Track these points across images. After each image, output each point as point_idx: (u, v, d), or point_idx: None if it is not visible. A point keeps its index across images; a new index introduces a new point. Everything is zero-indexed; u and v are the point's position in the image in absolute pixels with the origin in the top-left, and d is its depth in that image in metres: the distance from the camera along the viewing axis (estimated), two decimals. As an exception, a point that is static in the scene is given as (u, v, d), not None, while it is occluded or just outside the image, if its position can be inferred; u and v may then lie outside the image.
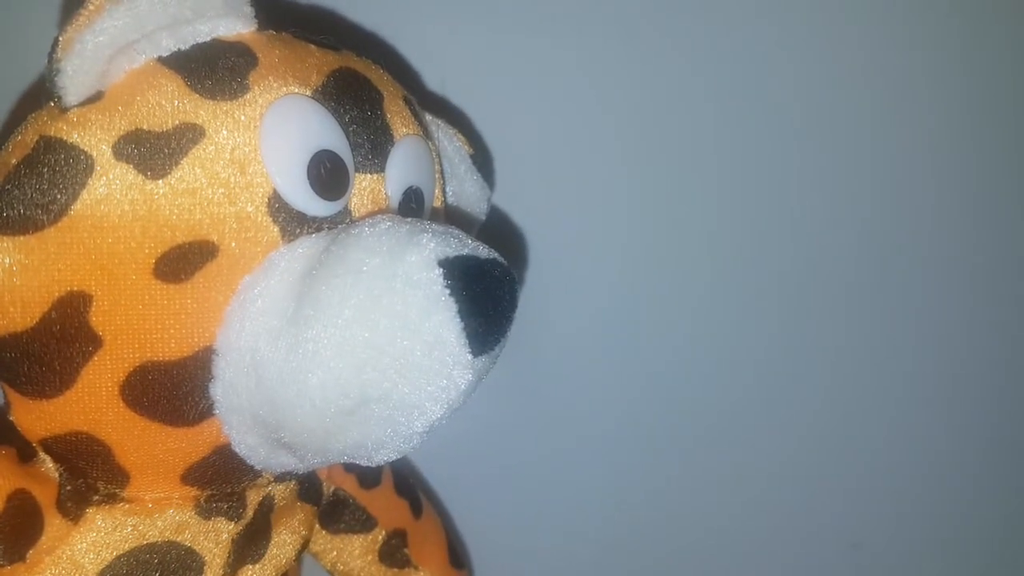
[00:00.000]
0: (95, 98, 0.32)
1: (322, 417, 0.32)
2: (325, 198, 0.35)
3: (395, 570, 0.50)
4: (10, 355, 0.33)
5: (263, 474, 0.38)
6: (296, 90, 0.35)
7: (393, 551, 0.49)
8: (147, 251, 0.32)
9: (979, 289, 0.58)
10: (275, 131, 0.34)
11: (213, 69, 0.34)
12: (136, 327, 0.32)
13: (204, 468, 0.36)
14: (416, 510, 0.51)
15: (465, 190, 0.47)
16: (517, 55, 0.53)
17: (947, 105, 0.55)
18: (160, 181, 0.32)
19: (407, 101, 0.41)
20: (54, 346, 0.32)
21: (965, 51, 0.55)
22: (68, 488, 0.35)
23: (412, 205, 0.39)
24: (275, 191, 0.34)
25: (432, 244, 0.32)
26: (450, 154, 0.46)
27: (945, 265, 0.57)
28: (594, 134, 0.55)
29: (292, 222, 0.34)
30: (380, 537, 0.49)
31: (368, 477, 0.48)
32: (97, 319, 0.32)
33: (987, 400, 0.60)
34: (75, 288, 0.32)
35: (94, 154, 0.32)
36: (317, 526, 0.46)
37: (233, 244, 0.33)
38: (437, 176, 0.42)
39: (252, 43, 0.35)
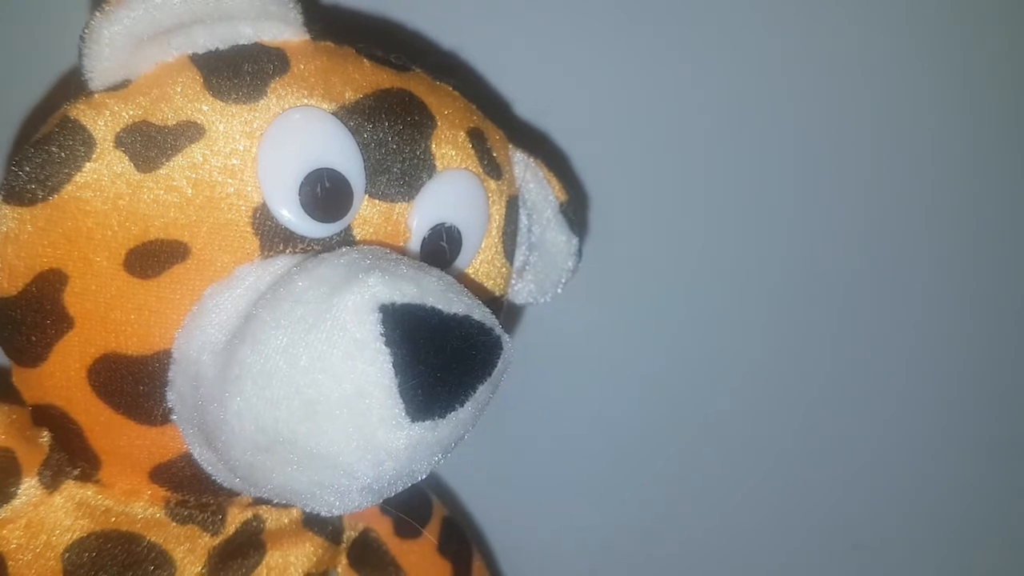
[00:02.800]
0: (121, 85, 0.33)
1: (242, 449, 0.31)
2: (317, 218, 0.33)
3: None
4: None
5: (238, 492, 0.36)
6: (316, 103, 0.33)
7: None
8: (120, 241, 0.32)
9: (980, 289, 0.58)
10: (277, 141, 0.32)
11: (236, 71, 0.33)
12: (103, 315, 0.32)
13: (172, 471, 0.35)
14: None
15: (547, 237, 0.43)
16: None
17: (947, 106, 0.55)
18: (147, 174, 0.32)
19: (473, 134, 0.38)
20: (31, 318, 0.33)
21: (965, 51, 0.55)
22: (53, 458, 0.36)
23: (442, 243, 0.36)
24: (263, 203, 0.32)
25: (377, 286, 0.29)
26: (536, 197, 0.43)
27: (945, 265, 0.57)
28: (586, 132, 0.53)
29: (275, 238, 0.33)
30: None
31: (406, 526, 0.45)
32: (70, 300, 0.32)
33: (987, 400, 0.60)
34: (55, 266, 0.32)
35: (98, 139, 0.32)
36: (346, 564, 0.44)
37: (205, 250, 0.32)
38: (501, 221, 0.39)
39: (293, 51, 0.34)
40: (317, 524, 0.41)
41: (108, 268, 0.32)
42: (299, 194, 0.33)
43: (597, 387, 0.58)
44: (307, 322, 0.29)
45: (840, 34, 0.55)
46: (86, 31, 0.32)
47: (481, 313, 0.31)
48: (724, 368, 0.59)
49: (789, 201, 0.56)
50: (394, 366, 0.28)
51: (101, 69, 0.32)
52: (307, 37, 0.35)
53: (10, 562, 0.35)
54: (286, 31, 0.35)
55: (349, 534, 0.44)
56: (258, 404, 0.29)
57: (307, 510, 0.33)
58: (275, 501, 0.37)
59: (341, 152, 0.33)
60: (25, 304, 0.33)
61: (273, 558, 0.39)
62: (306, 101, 0.33)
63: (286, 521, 0.40)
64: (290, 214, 0.33)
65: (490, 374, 0.31)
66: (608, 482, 0.60)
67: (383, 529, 0.45)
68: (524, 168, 0.42)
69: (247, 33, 0.34)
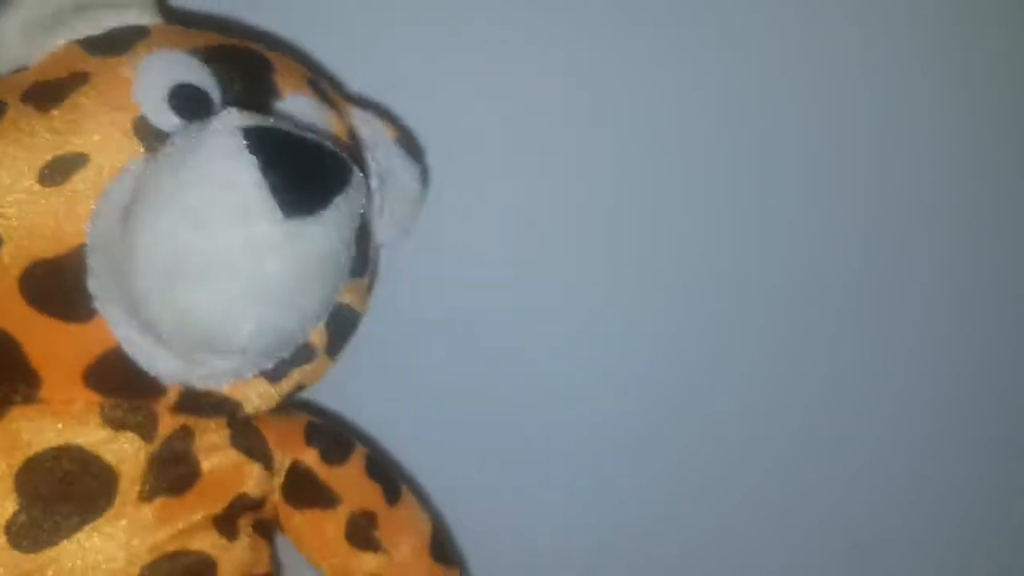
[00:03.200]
0: (20, 69, 0.41)
1: (154, 279, 0.36)
2: (185, 119, 0.40)
3: (361, 551, 0.48)
4: None
5: (164, 386, 0.41)
6: (175, 48, 0.42)
7: (360, 531, 0.48)
8: (32, 161, 0.39)
9: (979, 289, 0.59)
10: (147, 71, 0.41)
11: (110, 38, 0.42)
12: (26, 227, 0.38)
13: (103, 370, 0.40)
14: (391, 497, 0.50)
15: (394, 167, 0.49)
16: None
17: (947, 106, 0.56)
18: (50, 112, 0.39)
19: (309, 79, 0.46)
20: None
21: (965, 51, 0.56)
22: None
23: None
24: (142, 114, 0.39)
25: (238, 115, 0.36)
26: (370, 138, 0.49)
27: (945, 265, 0.58)
28: (585, 133, 0.56)
29: (155, 139, 0.39)
30: (344, 515, 0.48)
31: (332, 453, 0.48)
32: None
33: (987, 400, 0.60)
34: None
35: (9, 102, 0.40)
36: (280, 500, 0.47)
37: (101, 156, 0.39)
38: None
39: (152, 26, 0.43)
40: (241, 442, 0.45)
41: (26, 184, 0.39)
42: (168, 102, 0.40)
43: (594, 386, 0.59)
44: (183, 151, 0.36)
45: (840, 34, 0.56)
46: None
47: (323, 140, 0.38)
48: (723, 367, 0.60)
49: (789, 200, 0.57)
50: (260, 170, 0.35)
51: (5, 59, 0.41)
52: (160, 21, 0.44)
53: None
54: (144, 16, 0.43)
55: (280, 460, 0.47)
56: (156, 229, 0.35)
57: (212, 352, 0.38)
58: (196, 385, 0.41)
59: (197, 75, 0.41)
60: None
61: (210, 474, 0.43)
62: (166, 48, 0.42)
63: (214, 436, 0.44)
64: (164, 119, 0.40)
65: (344, 186, 0.37)
66: (605, 482, 0.61)
67: (310, 458, 0.48)
68: (356, 115, 0.49)
69: (114, 19, 0.42)
